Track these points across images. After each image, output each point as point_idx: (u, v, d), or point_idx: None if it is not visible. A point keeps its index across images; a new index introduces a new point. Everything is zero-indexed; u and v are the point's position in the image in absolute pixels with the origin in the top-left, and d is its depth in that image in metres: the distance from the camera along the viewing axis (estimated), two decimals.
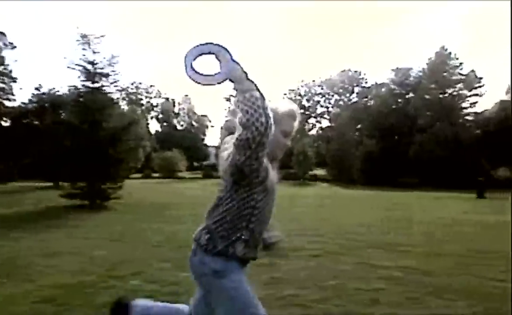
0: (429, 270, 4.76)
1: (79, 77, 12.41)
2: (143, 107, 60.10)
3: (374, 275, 4.51)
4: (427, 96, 41.25)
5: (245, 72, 1.51)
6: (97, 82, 12.60)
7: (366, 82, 54.37)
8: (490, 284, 4.28)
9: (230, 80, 1.53)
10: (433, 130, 38.62)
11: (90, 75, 12.53)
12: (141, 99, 62.41)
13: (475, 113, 41.60)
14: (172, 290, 3.83)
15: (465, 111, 41.50)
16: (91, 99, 12.69)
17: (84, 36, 12.21)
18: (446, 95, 41.15)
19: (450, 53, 41.40)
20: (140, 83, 62.43)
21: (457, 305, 3.58)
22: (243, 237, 1.64)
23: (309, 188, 33.19)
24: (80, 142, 12.36)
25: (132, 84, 60.35)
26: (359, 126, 48.93)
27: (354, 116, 47.93)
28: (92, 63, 12.43)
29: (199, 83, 1.56)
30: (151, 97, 64.02)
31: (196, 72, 1.55)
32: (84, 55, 12.30)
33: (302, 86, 59.43)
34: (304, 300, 3.57)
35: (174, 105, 64.40)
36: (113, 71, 12.74)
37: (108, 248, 6.08)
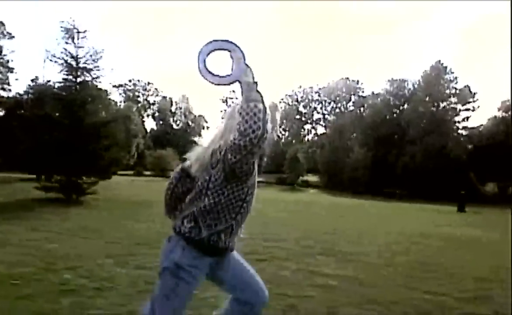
0: (366, 280, 4.81)
1: (61, 71, 12.49)
2: (140, 105, 60.13)
3: (309, 282, 4.55)
4: (420, 109, 41.47)
5: (255, 82, 1.55)
6: (79, 77, 12.66)
7: (363, 92, 54.67)
8: (421, 297, 4.30)
9: (239, 82, 1.55)
10: (424, 142, 38.81)
11: (73, 70, 12.59)
12: (138, 96, 62.48)
13: (470, 128, 41.85)
14: (100, 286, 3.89)
15: (458, 125, 41.74)
16: (74, 94, 12.76)
17: (68, 30, 12.29)
18: (440, 108, 41.37)
19: (446, 67, 41.68)
20: (138, 80, 62.64)
21: None
22: (230, 227, 1.71)
23: (298, 193, 33.23)
24: (60, 136, 12.41)
25: (129, 81, 60.51)
26: (353, 135, 49.11)
27: (349, 124, 48.10)
28: (75, 57, 12.49)
29: (208, 81, 1.56)
30: (148, 95, 64.13)
31: (207, 70, 1.55)
32: (65, 49, 12.39)
33: (299, 91, 59.74)
34: (222, 302, 3.61)
35: (171, 104, 64.43)
36: (96, 66, 12.81)
37: (62, 242, 6.12)
